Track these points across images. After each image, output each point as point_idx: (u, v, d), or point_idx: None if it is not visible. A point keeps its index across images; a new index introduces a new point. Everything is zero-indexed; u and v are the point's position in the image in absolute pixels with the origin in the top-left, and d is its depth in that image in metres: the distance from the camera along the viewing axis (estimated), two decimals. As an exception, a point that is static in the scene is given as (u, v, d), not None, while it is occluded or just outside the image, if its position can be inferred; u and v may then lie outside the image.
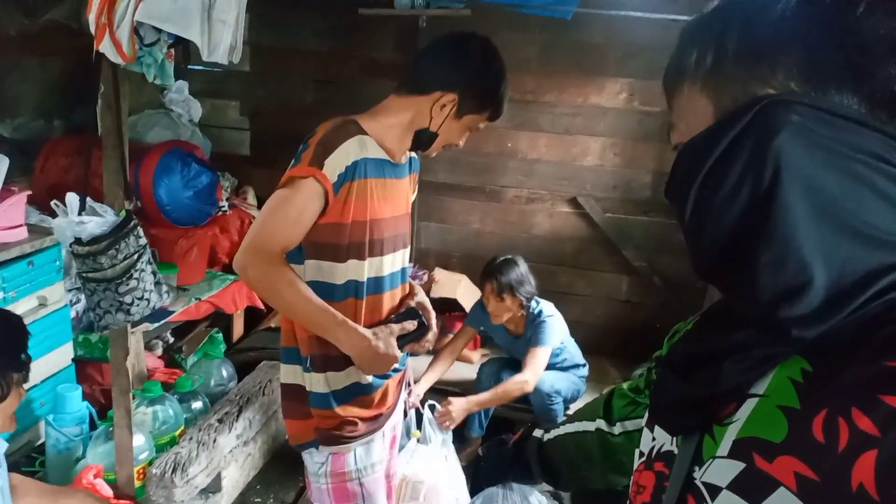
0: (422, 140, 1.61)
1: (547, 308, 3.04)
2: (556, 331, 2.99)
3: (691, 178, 0.56)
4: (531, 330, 2.98)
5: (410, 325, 1.62)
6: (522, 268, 3.00)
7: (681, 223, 0.59)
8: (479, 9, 3.35)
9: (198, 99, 3.66)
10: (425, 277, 3.87)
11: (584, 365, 3.23)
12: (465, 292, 3.75)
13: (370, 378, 1.65)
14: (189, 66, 3.56)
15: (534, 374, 2.87)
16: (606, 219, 3.80)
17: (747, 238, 0.53)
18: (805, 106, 0.51)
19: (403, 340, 1.61)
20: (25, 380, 1.69)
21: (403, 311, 1.67)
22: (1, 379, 1.58)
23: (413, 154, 1.77)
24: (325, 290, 1.54)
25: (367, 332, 1.52)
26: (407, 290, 1.78)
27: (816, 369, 0.53)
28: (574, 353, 3.20)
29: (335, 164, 1.45)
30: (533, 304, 3.02)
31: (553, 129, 3.77)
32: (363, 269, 1.57)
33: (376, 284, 1.62)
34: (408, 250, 1.76)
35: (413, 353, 1.74)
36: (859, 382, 0.48)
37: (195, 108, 3.57)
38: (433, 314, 1.73)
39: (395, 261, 1.68)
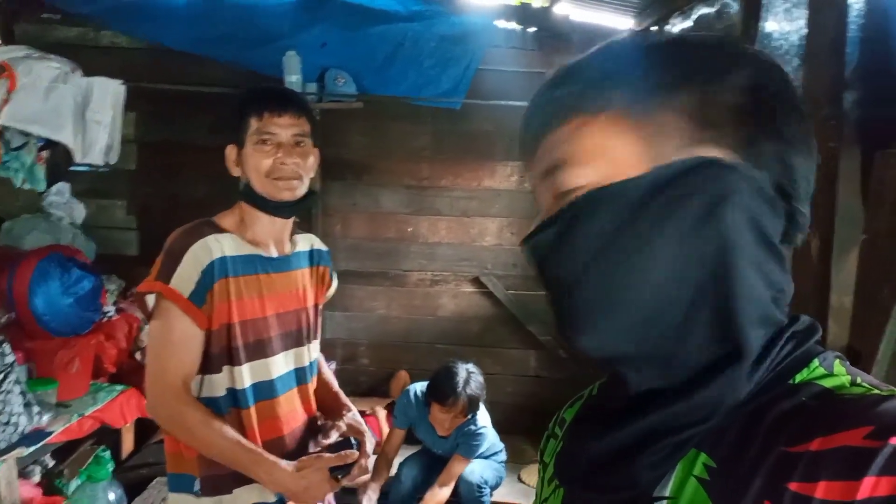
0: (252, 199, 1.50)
1: (482, 418, 2.97)
2: (487, 443, 2.95)
3: (611, 229, 0.51)
4: (462, 438, 2.89)
5: (347, 455, 1.44)
6: (479, 375, 2.89)
7: (565, 285, 0.53)
8: (371, 101, 3.45)
9: (82, 200, 3.49)
10: (333, 366, 3.75)
11: (502, 450, 3.19)
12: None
13: (272, 497, 1.50)
14: (71, 168, 3.40)
15: (450, 486, 2.85)
16: (509, 296, 3.87)
17: (690, 304, 0.51)
18: (748, 178, 0.50)
19: (339, 472, 1.44)
20: None
21: (336, 443, 1.51)
22: None
23: (319, 247, 1.70)
24: (209, 406, 1.41)
25: (290, 467, 1.37)
26: (311, 390, 1.65)
27: (719, 464, 0.51)
28: (494, 440, 3.15)
29: (186, 274, 1.37)
30: (473, 426, 2.96)
31: (451, 212, 3.85)
32: (242, 376, 1.45)
33: (265, 389, 1.50)
34: (309, 347, 1.63)
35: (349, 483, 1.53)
36: (764, 474, 0.47)
37: (78, 210, 3.39)
38: (368, 434, 1.58)
39: (290, 361, 1.57)
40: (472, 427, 2.88)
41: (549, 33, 3.61)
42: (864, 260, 1.56)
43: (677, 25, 3.12)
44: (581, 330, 0.53)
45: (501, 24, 3.61)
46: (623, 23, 3.55)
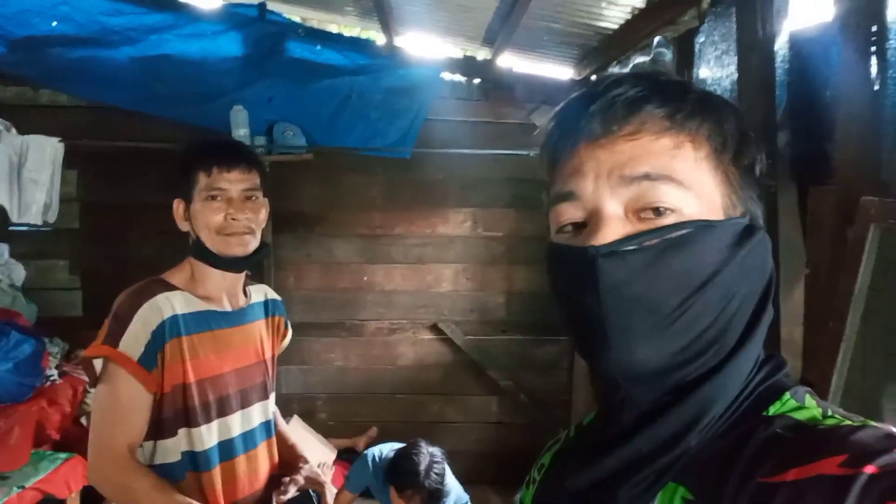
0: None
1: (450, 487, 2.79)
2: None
3: (713, 262, 0.54)
4: None
5: None
6: (443, 463, 2.71)
7: (643, 300, 0.53)
8: (322, 153, 3.46)
9: (22, 261, 3.36)
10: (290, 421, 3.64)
11: (467, 501, 3.11)
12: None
13: None
14: (10, 228, 3.29)
15: None
16: (468, 341, 3.86)
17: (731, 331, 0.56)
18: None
19: None
20: None
21: (294, 498, 1.47)
22: None
23: (273, 297, 1.67)
24: (163, 473, 1.35)
25: None
26: (275, 448, 1.61)
27: (697, 496, 0.52)
28: (458, 494, 3.06)
29: (135, 337, 1.32)
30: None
31: (406, 259, 3.85)
32: (202, 437, 1.40)
33: (226, 449, 1.45)
34: (268, 402, 1.59)
35: None
36: None
37: (17, 272, 3.27)
38: (328, 485, 1.56)
39: (250, 417, 1.52)
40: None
41: (493, 84, 3.72)
42: (810, 292, 1.62)
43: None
44: (648, 345, 0.53)
45: (447, 76, 3.70)
46: (563, 72, 3.69)
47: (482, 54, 3.75)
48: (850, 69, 1.54)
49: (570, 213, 0.58)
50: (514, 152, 3.48)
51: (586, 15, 2.87)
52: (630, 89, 0.55)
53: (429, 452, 2.67)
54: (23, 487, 2.62)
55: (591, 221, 0.56)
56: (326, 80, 3.37)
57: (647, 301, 0.53)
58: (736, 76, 2.07)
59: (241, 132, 3.14)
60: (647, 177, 0.54)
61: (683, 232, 0.53)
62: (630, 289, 0.53)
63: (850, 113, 1.55)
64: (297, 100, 3.38)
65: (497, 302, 3.90)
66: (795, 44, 1.84)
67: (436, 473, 2.61)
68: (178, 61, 3.18)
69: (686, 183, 0.54)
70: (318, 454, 3.50)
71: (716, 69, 2.39)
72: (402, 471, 2.61)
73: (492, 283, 3.89)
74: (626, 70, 3.07)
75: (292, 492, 1.49)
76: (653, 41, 2.69)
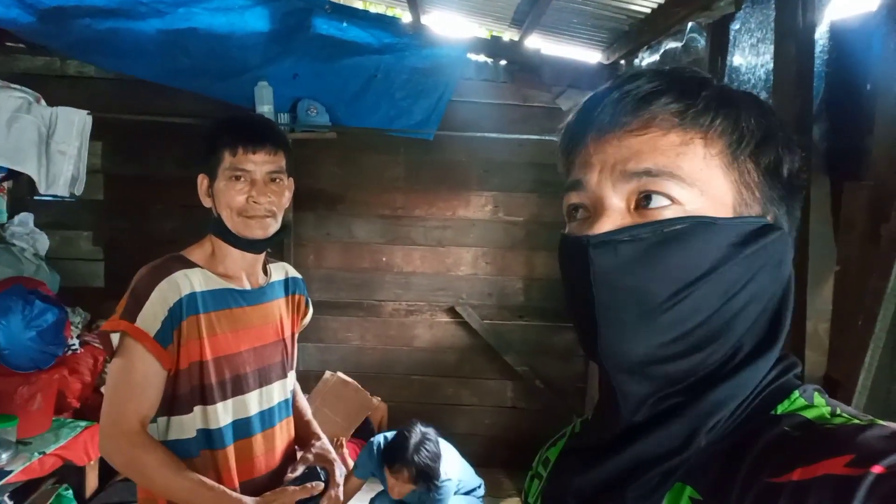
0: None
1: (445, 482, 2.79)
2: (449, 498, 2.84)
3: (711, 260, 0.53)
4: (425, 496, 2.77)
5: (313, 486, 1.40)
6: (434, 444, 2.73)
7: (635, 292, 0.54)
8: (344, 131, 3.45)
9: (46, 231, 3.41)
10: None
11: (480, 485, 3.12)
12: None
13: None
14: (35, 198, 3.33)
15: None
16: (485, 326, 3.86)
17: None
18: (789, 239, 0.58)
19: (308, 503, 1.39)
20: None
21: (302, 474, 1.46)
22: None
23: (294, 275, 1.66)
24: (177, 449, 1.36)
25: (251, 502, 1.31)
26: (292, 426, 1.61)
27: (705, 496, 0.51)
28: (469, 478, 3.06)
29: (152, 313, 1.32)
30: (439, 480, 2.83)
31: (426, 241, 3.84)
32: (217, 415, 1.40)
33: (242, 428, 1.45)
34: (287, 380, 1.59)
35: None
36: None
37: (41, 242, 3.31)
38: (337, 463, 1.53)
39: (269, 396, 1.51)
40: (434, 494, 2.73)
41: (519, 66, 3.67)
42: (839, 289, 1.58)
43: (645, 60, 3.19)
44: (635, 336, 0.54)
45: (473, 56, 3.66)
46: (591, 56, 3.63)
47: (509, 35, 3.70)
48: (893, 61, 1.49)
49: (574, 200, 0.59)
50: (539, 136, 3.44)
51: (618, -2, 2.81)
52: (645, 84, 0.56)
53: (421, 431, 2.70)
54: (44, 453, 2.68)
55: (592, 212, 0.57)
56: (352, 58, 3.35)
57: (635, 292, 0.53)
58: (771, 65, 2.01)
59: (265, 108, 3.13)
60: (648, 172, 0.54)
61: (679, 227, 0.53)
62: (620, 279, 0.53)
63: (890, 107, 1.49)
64: (322, 77, 3.36)
65: (515, 287, 3.88)
66: (836, 34, 1.78)
67: (426, 450, 2.62)
68: (205, 35, 3.17)
69: (690, 180, 0.54)
70: (342, 420, 3.49)
71: (750, 57, 2.33)
72: (392, 448, 2.65)
73: (511, 268, 3.87)
74: (657, 57, 3.01)
75: (300, 470, 1.49)
76: (686, 26, 2.63)
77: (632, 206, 0.55)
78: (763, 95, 2.17)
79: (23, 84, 2.64)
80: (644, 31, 2.96)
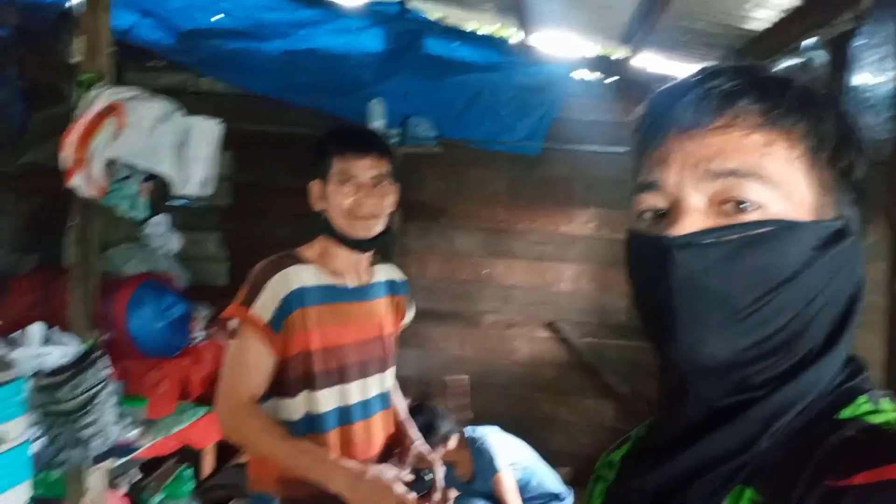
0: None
1: (478, 432, 2.98)
2: (494, 443, 2.91)
3: (795, 263, 0.53)
4: (477, 463, 2.89)
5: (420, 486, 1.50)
6: (424, 415, 2.82)
7: (717, 293, 0.53)
8: (450, 146, 3.55)
9: (178, 232, 3.74)
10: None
11: (565, 495, 3.09)
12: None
13: None
14: (171, 202, 3.67)
15: (514, 502, 2.79)
16: (584, 343, 3.81)
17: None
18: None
19: (416, 488, 1.46)
20: None
21: (412, 480, 1.52)
22: None
23: (397, 277, 1.77)
24: (287, 429, 1.48)
25: (357, 465, 1.41)
26: (389, 417, 1.70)
27: (767, 498, 0.51)
28: (546, 478, 3.04)
29: (266, 302, 1.47)
30: (468, 434, 2.97)
31: (527, 255, 3.87)
32: (321, 401, 1.52)
33: (343, 415, 1.56)
34: (385, 375, 1.69)
35: None
36: None
37: (173, 241, 3.63)
38: (439, 465, 1.62)
39: (368, 387, 1.62)
40: (474, 450, 2.86)
41: (627, 83, 3.63)
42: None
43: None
44: (716, 339, 0.54)
45: (579, 74, 3.66)
46: (705, 72, 3.53)
47: (618, 53, 3.68)
48: None
49: (651, 201, 0.58)
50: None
51: (731, 16, 2.74)
52: (727, 82, 0.55)
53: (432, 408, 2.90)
54: (168, 433, 2.90)
55: (671, 212, 0.56)
56: (459, 76, 3.46)
57: (719, 295, 0.52)
58: (893, 84, 1.90)
59: (377, 124, 3.29)
60: (733, 173, 0.53)
61: (765, 230, 0.52)
62: (703, 281, 0.52)
63: None
64: (430, 94, 3.49)
65: (618, 306, 3.81)
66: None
67: (422, 418, 2.71)
68: (323, 54, 3.39)
69: (774, 181, 0.53)
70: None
71: (873, 75, 2.21)
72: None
73: (614, 286, 3.80)
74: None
75: (408, 475, 1.55)
76: (801, 44, 2.52)
77: (712, 207, 0.54)
78: (885, 114, 2.05)
79: (161, 97, 2.97)
80: (758, 48, 2.86)
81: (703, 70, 0.58)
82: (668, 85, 0.60)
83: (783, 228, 0.53)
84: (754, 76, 0.56)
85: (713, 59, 3.36)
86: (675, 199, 0.56)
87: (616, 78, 3.67)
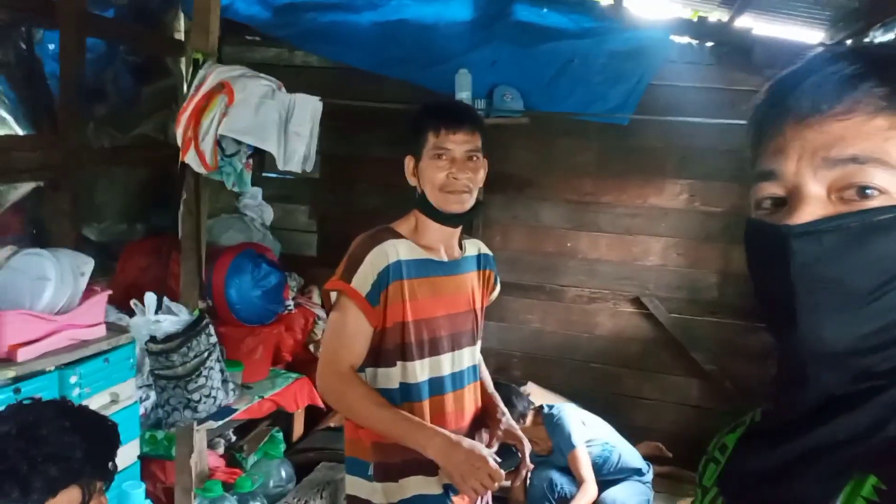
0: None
1: (555, 409, 3.02)
2: (571, 420, 2.93)
3: None
4: (554, 439, 2.93)
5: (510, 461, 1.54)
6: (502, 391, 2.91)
7: (837, 280, 0.53)
8: (537, 116, 3.48)
9: (270, 204, 3.86)
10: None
11: (645, 470, 3.07)
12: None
13: (438, 489, 1.56)
14: (264, 174, 3.78)
15: (590, 479, 2.82)
16: (672, 319, 3.71)
17: None
18: None
19: (505, 465, 1.49)
20: (107, 488, 1.70)
21: (499, 452, 1.55)
22: (85, 486, 1.58)
23: (485, 252, 1.78)
24: (384, 396, 1.52)
25: (454, 437, 1.43)
26: (478, 389, 1.73)
27: (890, 486, 0.50)
28: (628, 454, 3.04)
29: (365, 276, 1.50)
30: (545, 411, 3.01)
31: (613, 229, 3.78)
32: (415, 371, 1.56)
33: (436, 386, 1.60)
34: (475, 348, 1.73)
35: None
36: None
37: (267, 213, 3.75)
38: (525, 442, 1.64)
39: (459, 359, 1.65)
40: (548, 419, 2.92)
41: (727, 48, 3.44)
42: None
43: (877, 39, 2.85)
44: (837, 326, 0.53)
45: (676, 38, 3.50)
46: (812, 36, 3.31)
47: (717, 15, 3.48)
48: None
49: (770, 190, 0.58)
50: (745, 122, 3.19)
51: (848, -30, 2.54)
52: (847, 67, 0.53)
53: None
54: (262, 397, 3.04)
55: (790, 200, 0.56)
56: (550, 43, 3.36)
57: (839, 282, 0.52)
58: None
59: (463, 95, 3.26)
60: (854, 159, 0.52)
61: (888, 216, 0.51)
62: (823, 269, 0.52)
63: None
64: (519, 63, 3.42)
65: (709, 282, 3.69)
66: None
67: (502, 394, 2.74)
68: (414, 25, 3.37)
69: (884, 157, 0.52)
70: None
71: None
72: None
73: (705, 260, 3.67)
74: (892, 35, 2.67)
75: (495, 446, 1.60)
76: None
77: (832, 195, 0.54)
78: None
79: (257, 72, 3.03)
80: (877, 6, 2.64)
81: (821, 53, 0.56)
82: (785, 71, 0.59)
83: None
84: (876, 58, 0.54)
85: (821, 21, 3.13)
86: (793, 186, 0.55)
87: (714, 43, 3.48)
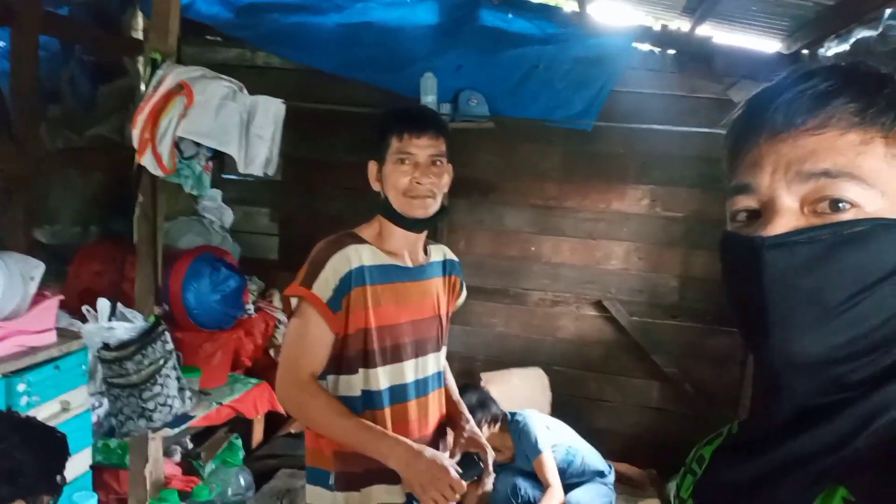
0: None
1: (519, 415, 3.02)
2: (537, 425, 2.95)
3: (884, 264, 0.52)
4: (521, 445, 2.94)
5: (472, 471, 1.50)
6: (477, 394, 2.97)
7: (808, 291, 0.53)
8: (503, 121, 3.49)
9: (230, 206, 3.78)
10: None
11: (607, 472, 3.10)
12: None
13: (401, 498, 1.54)
14: (224, 176, 3.71)
15: (556, 483, 2.84)
16: (633, 323, 3.76)
17: None
18: None
19: (467, 475, 1.47)
20: (55, 502, 1.64)
21: (462, 460, 1.53)
22: (31, 501, 1.52)
23: (451, 258, 1.77)
24: (345, 404, 1.50)
25: (415, 446, 1.42)
26: (442, 396, 1.71)
27: (859, 499, 0.51)
28: (590, 457, 3.07)
29: (326, 281, 1.48)
30: (510, 418, 3.02)
31: (576, 233, 3.81)
32: (378, 378, 1.54)
33: (399, 393, 1.58)
34: (440, 354, 1.71)
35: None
36: None
37: (227, 215, 3.68)
38: (489, 450, 1.61)
39: (423, 366, 1.64)
40: (514, 425, 2.93)
41: (689, 56, 3.51)
42: None
43: (832, 49, 2.93)
44: (809, 337, 0.54)
45: (639, 46, 3.55)
46: (769, 46, 3.39)
47: (679, 24, 3.55)
48: None
49: (745, 203, 0.59)
50: (708, 130, 3.26)
51: (804, -17, 2.61)
52: (821, 83, 0.54)
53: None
54: (220, 404, 2.97)
55: (764, 212, 0.57)
56: (515, 49, 3.37)
57: (811, 293, 0.53)
58: None
59: (429, 99, 3.25)
60: (826, 173, 0.53)
61: (858, 229, 0.52)
62: (794, 280, 0.53)
63: None
64: (485, 68, 3.42)
65: (670, 286, 3.74)
66: None
67: (469, 398, 2.74)
68: (378, 28, 3.35)
69: (870, 180, 0.53)
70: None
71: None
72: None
73: (666, 265, 3.73)
74: (846, 46, 2.75)
75: (458, 455, 1.58)
76: (883, 13, 2.38)
77: (806, 208, 0.55)
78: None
79: (218, 73, 2.97)
80: (832, 18, 2.72)
81: (796, 70, 0.58)
82: (761, 88, 0.60)
83: (878, 226, 0.52)
84: (849, 75, 0.55)
85: (779, 31, 3.21)
86: (767, 199, 0.56)
87: (676, 51, 3.54)
